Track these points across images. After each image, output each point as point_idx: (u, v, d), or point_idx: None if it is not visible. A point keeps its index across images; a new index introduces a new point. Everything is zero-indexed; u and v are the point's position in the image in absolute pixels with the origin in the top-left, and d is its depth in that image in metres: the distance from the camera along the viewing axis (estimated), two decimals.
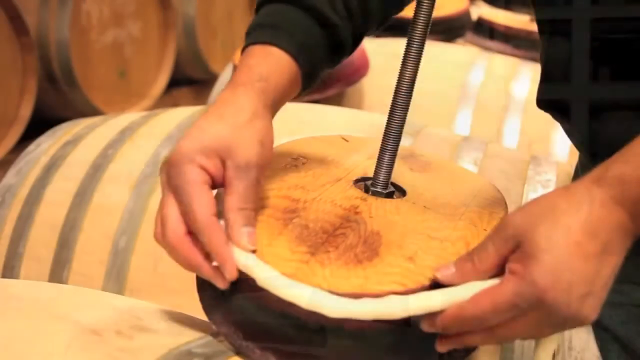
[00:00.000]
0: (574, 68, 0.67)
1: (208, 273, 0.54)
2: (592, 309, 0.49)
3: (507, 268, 0.51)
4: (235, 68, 0.63)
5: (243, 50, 0.63)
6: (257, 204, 0.57)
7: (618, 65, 0.63)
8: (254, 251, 0.53)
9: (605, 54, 0.63)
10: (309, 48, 0.63)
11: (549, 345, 0.59)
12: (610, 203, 0.49)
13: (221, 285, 0.54)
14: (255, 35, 0.63)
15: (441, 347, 0.55)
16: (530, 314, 0.50)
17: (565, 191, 0.51)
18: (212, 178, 0.55)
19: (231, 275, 0.53)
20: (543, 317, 0.50)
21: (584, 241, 0.48)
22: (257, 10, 0.66)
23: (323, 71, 0.66)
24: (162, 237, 0.55)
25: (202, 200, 0.53)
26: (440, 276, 0.53)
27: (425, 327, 0.53)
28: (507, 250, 0.51)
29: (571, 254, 0.48)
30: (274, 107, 0.61)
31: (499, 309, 0.50)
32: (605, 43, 0.63)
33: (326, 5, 0.64)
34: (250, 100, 0.58)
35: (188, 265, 0.55)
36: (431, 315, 0.52)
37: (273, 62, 0.61)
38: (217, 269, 0.53)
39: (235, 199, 0.54)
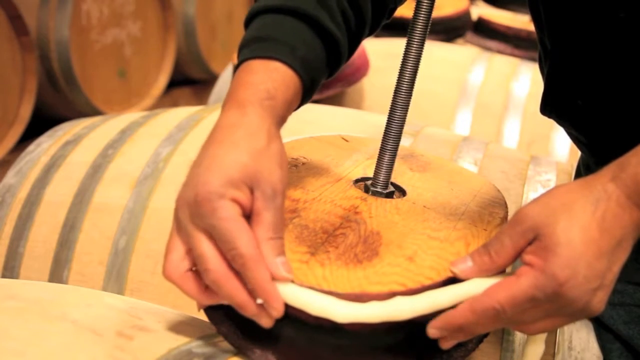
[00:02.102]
0: (579, 77, 0.67)
1: (253, 311, 0.51)
2: (601, 301, 0.51)
3: (524, 260, 0.52)
4: (234, 80, 0.59)
5: (239, 64, 0.59)
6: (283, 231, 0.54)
7: (622, 72, 0.63)
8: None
9: (610, 62, 0.63)
10: (311, 62, 0.60)
11: (540, 343, 0.60)
12: (626, 201, 0.50)
13: (266, 324, 0.52)
14: (254, 49, 0.59)
15: (445, 344, 0.55)
16: (544, 305, 0.51)
17: (582, 187, 0.52)
18: (243, 209, 0.52)
19: (278, 313, 0.51)
20: (556, 308, 0.51)
21: (599, 238, 0.50)
22: (249, 21, 0.63)
23: (321, 83, 0.64)
24: (202, 276, 0.52)
25: (244, 235, 0.51)
26: (458, 271, 0.54)
27: (434, 331, 0.54)
28: (525, 243, 0.52)
29: (587, 250, 0.49)
30: (281, 123, 0.59)
31: (517, 301, 0.51)
32: (610, 52, 0.63)
33: (326, 17, 0.61)
34: (262, 120, 0.55)
35: (229, 302, 0.52)
36: (441, 319, 0.53)
37: (279, 79, 0.58)
38: (262, 307, 0.51)
39: (264, 229, 0.52)
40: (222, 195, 0.51)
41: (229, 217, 0.51)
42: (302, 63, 0.59)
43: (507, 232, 0.53)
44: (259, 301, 0.51)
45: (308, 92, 0.61)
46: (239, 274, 0.52)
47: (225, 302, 0.53)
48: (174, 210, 0.54)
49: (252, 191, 0.52)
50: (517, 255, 0.53)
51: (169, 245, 0.54)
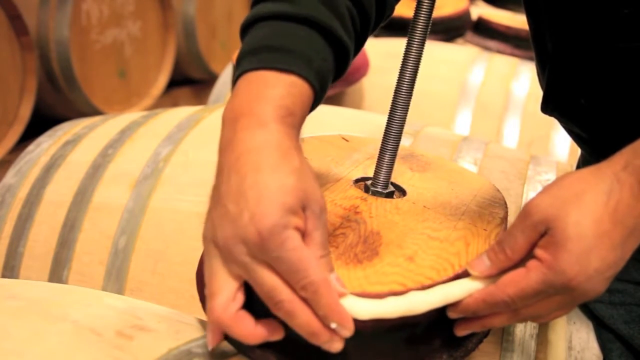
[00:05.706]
0: (583, 76, 0.67)
1: (326, 338, 0.50)
2: (607, 286, 0.52)
3: (534, 254, 0.52)
4: (245, 90, 0.55)
5: (244, 71, 0.56)
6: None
7: (626, 69, 0.63)
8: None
9: (614, 60, 0.63)
10: (323, 73, 0.58)
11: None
12: (638, 190, 0.50)
13: (337, 347, 0.50)
14: (267, 59, 0.56)
15: (461, 331, 0.56)
16: (555, 297, 0.52)
17: (593, 175, 0.51)
18: (301, 233, 0.51)
19: (351, 332, 0.50)
20: (566, 298, 0.52)
21: (611, 229, 0.50)
22: (249, 26, 0.59)
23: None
24: (272, 309, 0.51)
25: (313, 262, 0.49)
26: (477, 272, 0.54)
27: (452, 314, 0.55)
28: (537, 236, 0.52)
29: (599, 244, 0.49)
30: (299, 138, 0.57)
31: (526, 295, 0.52)
32: (614, 50, 0.63)
33: (339, 27, 0.59)
34: (289, 139, 0.53)
35: (302, 330, 0.50)
36: (457, 302, 0.54)
37: (297, 94, 0.55)
38: (333, 331, 0.50)
39: (315, 248, 0.50)
40: (286, 226, 0.49)
41: (296, 246, 0.49)
42: (316, 75, 0.57)
43: (518, 227, 0.52)
44: (333, 325, 0.50)
45: (317, 103, 0.60)
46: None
47: (277, 337, 0.52)
48: (214, 249, 0.52)
49: (304, 212, 0.51)
50: (532, 248, 0.53)
51: (214, 287, 0.52)
